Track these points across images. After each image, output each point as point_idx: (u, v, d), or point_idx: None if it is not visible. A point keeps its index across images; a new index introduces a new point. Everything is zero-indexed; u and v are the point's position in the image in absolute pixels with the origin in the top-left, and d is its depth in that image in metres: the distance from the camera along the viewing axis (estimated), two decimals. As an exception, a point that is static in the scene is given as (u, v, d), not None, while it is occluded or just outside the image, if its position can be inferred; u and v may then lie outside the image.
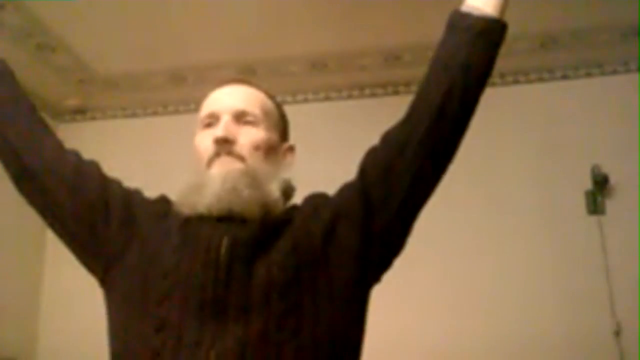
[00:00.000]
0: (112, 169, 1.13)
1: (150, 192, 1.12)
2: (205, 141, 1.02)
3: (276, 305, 0.89)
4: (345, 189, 1.04)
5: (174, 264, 0.94)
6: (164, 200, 1.09)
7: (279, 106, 1.14)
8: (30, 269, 3.03)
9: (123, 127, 3.26)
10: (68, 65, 2.88)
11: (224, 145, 0.99)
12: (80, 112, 3.32)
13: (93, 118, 3.32)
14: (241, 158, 1.00)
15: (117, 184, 1.10)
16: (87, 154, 1.11)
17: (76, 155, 1.10)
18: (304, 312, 0.91)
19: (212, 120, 1.04)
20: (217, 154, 1.00)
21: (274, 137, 1.06)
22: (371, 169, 1.01)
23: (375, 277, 1.02)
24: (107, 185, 1.07)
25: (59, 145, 1.10)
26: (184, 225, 0.98)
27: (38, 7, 2.44)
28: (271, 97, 1.12)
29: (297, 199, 1.11)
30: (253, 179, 0.97)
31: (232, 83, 1.10)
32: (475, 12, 1.00)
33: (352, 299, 0.97)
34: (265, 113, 1.06)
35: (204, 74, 2.92)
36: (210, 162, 1.00)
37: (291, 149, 1.12)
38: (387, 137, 1.02)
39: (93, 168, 1.09)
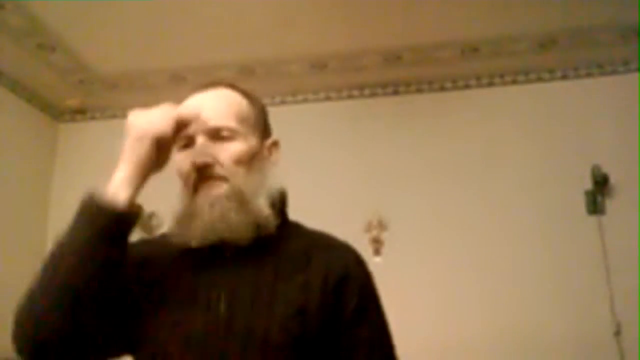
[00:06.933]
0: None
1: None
2: (184, 164, 1.00)
3: None
4: (354, 279, 1.00)
5: (171, 322, 0.94)
6: (143, 244, 1.06)
7: (255, 103, 1.09)
8: (30, 268, 3.02)
9: (123, 127, 3.24)
10: (68, 65, 2.88)
11: (205, 169, 0.98)
12: (80, 112, 3.31)
13: (93, 118, 3.31)
14: (224, 179, 0.98)
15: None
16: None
17: None
18: None
19: (187, 141, 1.01)
20: (199, 180, 0.98)
21: (254, 142, 1.03)
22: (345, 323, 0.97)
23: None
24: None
25: None
26: (178, 275, 0.98)
27: (38, 7, 2.45)
28: (246, 94, 1.08)
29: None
30: (240, 202, 0.96)
31: (201, 90, 1.06)
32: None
33: None
34: (241, 120, 1.03)
35: (204, 74, 2.92)
36: (195, 188, 0.99)
37: (275, 144, 1.09)
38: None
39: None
